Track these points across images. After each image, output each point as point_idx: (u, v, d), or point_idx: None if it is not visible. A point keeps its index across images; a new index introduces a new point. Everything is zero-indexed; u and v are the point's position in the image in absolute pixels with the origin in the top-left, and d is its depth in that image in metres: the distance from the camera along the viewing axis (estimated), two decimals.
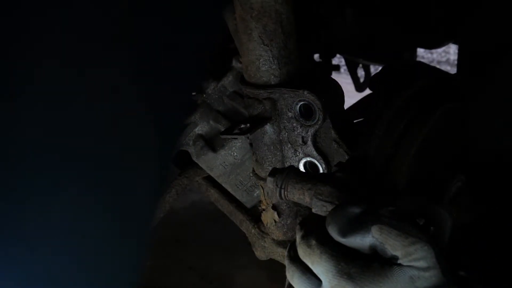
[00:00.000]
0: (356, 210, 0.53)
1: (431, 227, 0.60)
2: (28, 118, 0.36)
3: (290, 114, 0.84)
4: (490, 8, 0.81)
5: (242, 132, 0.83)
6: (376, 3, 1.39)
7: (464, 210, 0.68)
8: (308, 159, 0.87)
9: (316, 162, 0.87)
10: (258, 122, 0.85)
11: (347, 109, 0.91)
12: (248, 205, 1.13)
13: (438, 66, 0.86)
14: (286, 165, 0.89)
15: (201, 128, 1.06)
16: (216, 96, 1.05)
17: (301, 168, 0.89)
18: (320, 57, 1.66)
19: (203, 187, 1.21)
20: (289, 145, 0.88)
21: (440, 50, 4.39)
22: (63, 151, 0.38)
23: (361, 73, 1.97)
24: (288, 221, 0.99)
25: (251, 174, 1.00)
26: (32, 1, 0.34)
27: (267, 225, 1.02)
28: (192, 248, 1.87)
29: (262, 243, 1.06)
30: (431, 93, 0.71)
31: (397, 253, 0.49)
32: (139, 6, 0.41)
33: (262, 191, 0.98)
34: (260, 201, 1.02)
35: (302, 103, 0.82)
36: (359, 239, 0.51)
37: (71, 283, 0.43)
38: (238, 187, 1.11)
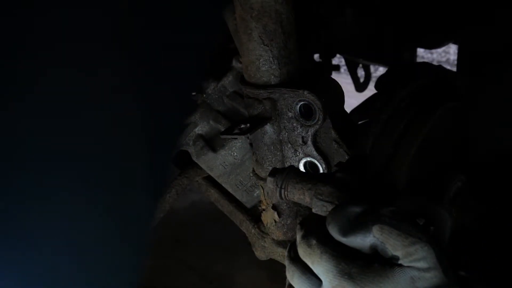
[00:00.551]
0: (356, 209, 0.53)
1: (431, 227, 0.60)
2: (28, 119, 0.36)
3: (290, 114, 0.84)
4: (490, 9, 0.81)
5: (242, 132, 0.83)
6: (376, 3, 1.39)
7: (464, 210, 0.68)
8: (308, 159, 0.87)
9: (316, 162, 0.87)
10: (258, 122, 0.85)
11: (351, 111, 0.91)
12: (248, 205, 1.13)
13: None
14: (286, 165, 0.89)
15: (201, 128, 1.06)
16: (216, 96, 1.05)
17: (301, 168, 0.89)
18: (320, 57, 1.66)
19: (203, 187, 1.21)
20: (289, 145, 0.88)
21: (440, 50, 4.39)
22: (64, 151, 0.38)
23: (361, 73, 1.96)
24: (288, 221, 0.99)
25: (251, 174, 1.00)
26: (32, 1, 0.34)
27: (267, 225, 1.02)
28: (192, 248, 1.87)
29: (262, 243, 1.06)
30: (431, 92, 0.71)
31: (398, 253, 0.49)
32: (139, 6, 0.41)
33: (262, 191, 0.98)
34: (260, 201, 1.02)
35: (302, 103, 0.82)
36: (359, 238, 0.51)
37: (71, 283, 0.43)
38: (238, 187, 1.11)
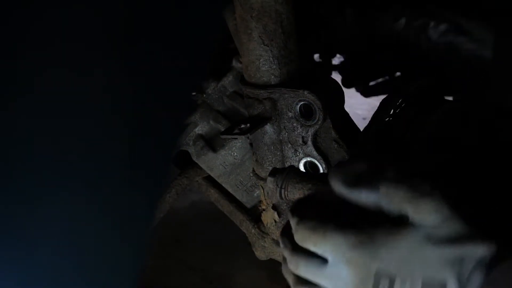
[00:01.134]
0: (362, 166, 0.50)
1: None
2: (28, 118, 0.36)
3: (290, 114, 0.84)
4: None
5: (242, 132, 0.84)
6: (376, 3, 1.38)
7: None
8: (308, 159, 0.87)
9: (316, 162, 0.87)
10: (258, 122, 0.85)
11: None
12: (248, 205, 1.13)
13: None
14: (286, 165, 0.89)
15: (201, 128, 1.06)
16: (216, 96, 1.05)
17: (301, 168, 0.89)
18: (320, 57, 1.66)
19: (203, 187, 1.21)
20: (289, 145, 0.88)
21: None
22: (64, 151, 0.38)
23: None
24: None
25: (251, 174, 1.00)
26: (31, 1, 0.34)
27: (267, 225, 1.02)
28: (192, 248, 1.87)
29: (262, 243, 1.06)
30: (431, 93, 0.71)
31: (408, 210, 0.45)
32: (138, 6, 0.41)
33: (262, 191, 0.98)
34: (260, 201, 1.02)
35: (302, 103, 0.82)
36: (364, 194, 0.47)
37: (71, 283, 0.43)
38: (238, 187, 1.11)
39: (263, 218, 1.02)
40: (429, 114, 0.66)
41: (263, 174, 0.93)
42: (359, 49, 1.37)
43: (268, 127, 0.87)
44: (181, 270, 1.77)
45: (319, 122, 0.82)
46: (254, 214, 1.11)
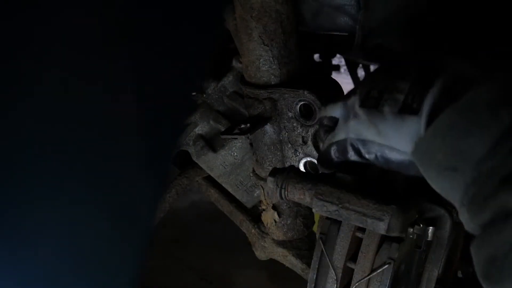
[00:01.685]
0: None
1: (431, 227, 0.60)
2: (28, 118, 0.36)
3: (290, 114, 0.84)
4: None
5: (242, 132, 0.84)
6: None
7: None
8: (309, 159, 0.87)
9: (316, 162, 0.87)
10: (258, 122, 0.85)
11: None
12: (248, 205, 1.13)
13: None
14: (286, 165, 0.89)
15: (201, 128, 1.06)
16: (216, 96, 1.05)
17: (302, 168, 0.89)
18: (320, 57, 1.66)
19: (203, 187, 1.21)
20: (289, 145, 0.88)
21: None
22: (64, 151, 0.38)
23: (361, 73, 1.96)
24: (288, 221, 0.99)
25: (251, 174, 1.00)
26: (32, 1, 0.34)
27: (267, 225, 1.02)
28: (192, 248, 1.87)
29: (262, 243, 1.06)
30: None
31: None
32: (138, 6, 0.41)
33: (262, 191, 0.98)
34: (260, 201, 1.02)
35: (302, 103, 0.82)
36: None
37: (71, 283, 0.43)
38: (238, 187, 1.11)
39: (263, 218, 1.02)
40: None
41: (263, 174, 0.93)
42: None
43: (268, 127, 0.87)
44: (181, 270, 1.77)
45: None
46: (254, 214, 1.11)
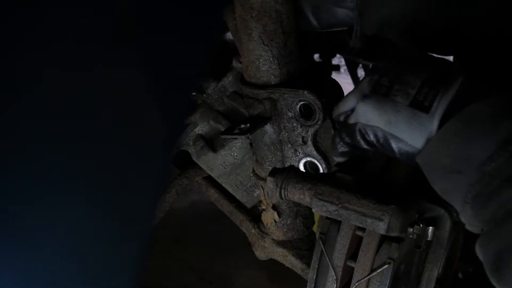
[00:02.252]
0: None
1: (431, 227, 0.60)
2: (28, 118, 0.36)
3: (290, 114, 0.84)
4: None
5: (242, 132, 0.83)
6: None
7: None
8: (308, 159, 0.87)
9: (316, 162, 0.87)
10: (258, 122, 0.85)
11: None
12: (248, 205, 1.13)
13: None
14: (286, 165, 0.89)
15: (201, 128, 1.06)
16: (216, 96, 1.05)
17: (301, 168, 0.89)
18: (320, 57, 1.66)
19: (203, 187, 1.21)
20: (289, 145, 0.88)
21: None
22: (64, 151, 0.38)
23: (361, 73, 1.97)
24: (288, 221, 0.99)
25: (251, 174, 1.00)
26: (34, 1, 0.34)
27: (267, 225, 1.02)
28: (192, 248, 1.87)
29: (262, 243, 1.06)
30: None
31: None
32: (139, 7, 0.41)
33: (262, 191, 0.98)
34: (260, 201, 1.01)
35: (302, 103, 0.82)
36: None
37: (71, 283, 0.43)
38: (238, 187, 1.11)
39: (263, 218, 1.02)
40: None
41: (263, 174, 0.93)
42: None
43: (268, 127, 0.86)
44: (181, 270, 1.77)
45: (319, 122, 0.82)
46: (254, 214, 1.11)
